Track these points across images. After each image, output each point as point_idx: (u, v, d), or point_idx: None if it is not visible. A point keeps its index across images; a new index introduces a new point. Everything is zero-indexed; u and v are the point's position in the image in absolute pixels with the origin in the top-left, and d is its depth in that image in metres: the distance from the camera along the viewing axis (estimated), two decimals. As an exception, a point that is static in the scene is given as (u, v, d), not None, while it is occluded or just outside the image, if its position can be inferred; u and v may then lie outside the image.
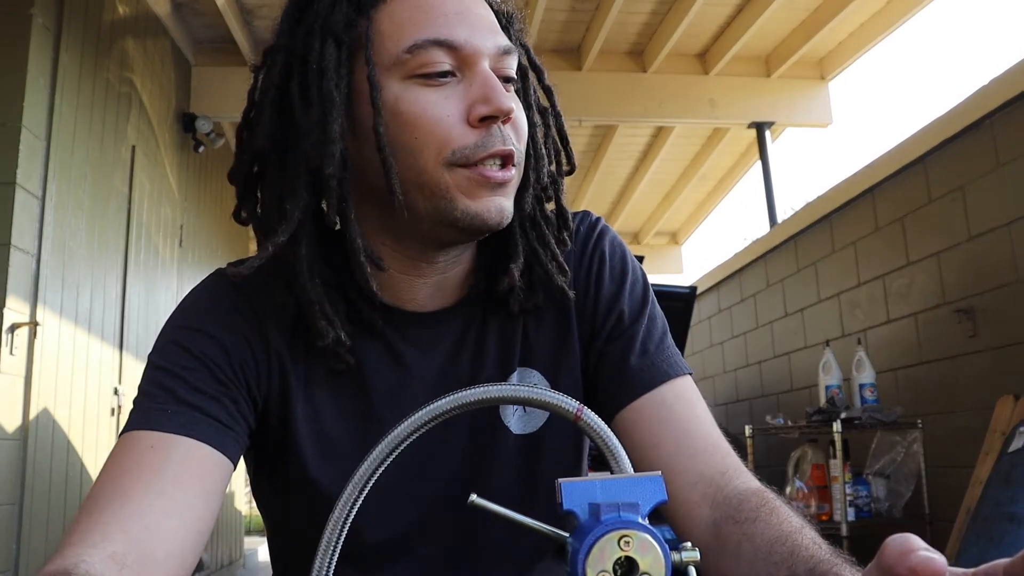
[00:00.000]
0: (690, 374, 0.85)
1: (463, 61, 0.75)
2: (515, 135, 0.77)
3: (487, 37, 0.76)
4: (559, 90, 0.88)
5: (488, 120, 0.74)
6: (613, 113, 5.03)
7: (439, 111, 0.74)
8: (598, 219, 0.92)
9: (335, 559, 0.49)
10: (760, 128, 5.09)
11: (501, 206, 0.76)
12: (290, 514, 0.85)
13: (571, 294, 0.85)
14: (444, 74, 0.75)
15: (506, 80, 0.78)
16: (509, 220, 0.77)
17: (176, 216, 4.55)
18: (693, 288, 3.87)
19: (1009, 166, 2.71)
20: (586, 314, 0.86)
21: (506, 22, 0.83)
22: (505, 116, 0.75)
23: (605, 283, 0.87)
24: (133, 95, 3.87)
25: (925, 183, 3.13)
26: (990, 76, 2.82)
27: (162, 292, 4.31)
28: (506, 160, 0.76)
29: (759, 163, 5.16)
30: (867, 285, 3.52)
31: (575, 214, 0.92)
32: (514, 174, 0.77)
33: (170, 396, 0.73)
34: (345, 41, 0.77)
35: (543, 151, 0.84)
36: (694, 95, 4.96)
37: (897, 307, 3.31)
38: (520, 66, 0.84)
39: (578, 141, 5.97)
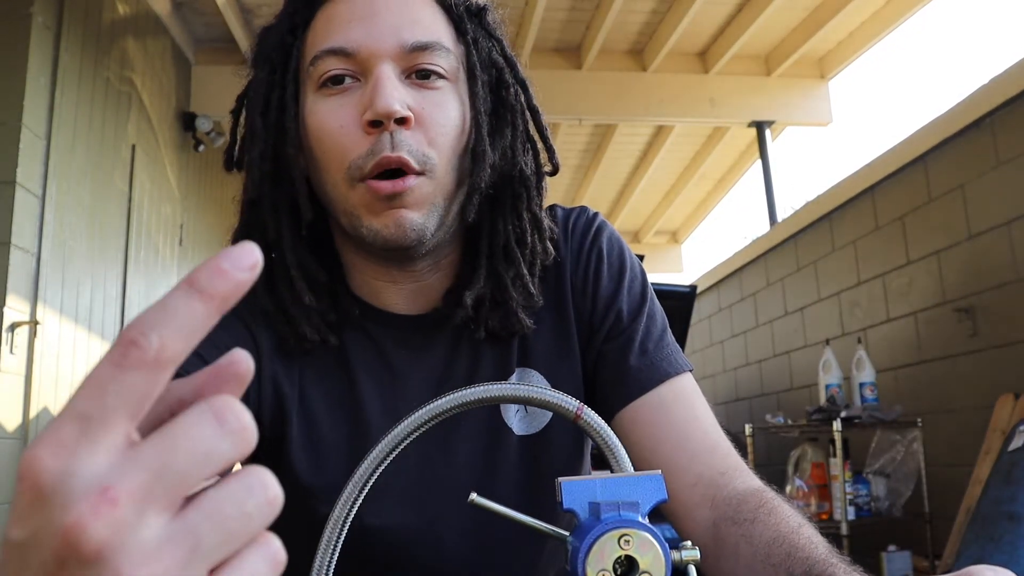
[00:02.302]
0: (690, 371, 0.84)
1: (361, 66, 0.74)
2: (422, 139, 0.73)
3: (387, 37, 0.74)
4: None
5: (377, 125, 0.72)
6: (613, 112, 5.03)
7: (335, 121, 0.74)
8: (595, 215, 0.90)
9: (335, 559, 0.49)
10: (760, 127, 5.09)
11: (401, 220, 0.72)
12: (283, 522, 0.84)
13: (530, 325, 0.81)
14: (339, 80, 0.74)
15: (424, 76, 0.75)
16: (425, 234, 0.74)
17: (176, 215, 4.55)
18: (693, 287, 3.87)
19: (1009, 165, 2.71)
20: (584, 313, 0.85)
21: (457, 13, 0.79)
22: (388, 119, 0.71)
23: (603, 282, 0.85)
24: (133, 94, 3.87)
25: (925, 182, 3.13)
26: (990, 75, 2.82)
27: (162, 291, 4.30)
28: (398, 170, 0.72)
29: (759, 162, 5.15)
30: (867, 284, 3.52)
31: (571, 210, 0.90)
32: (414, 183, 0.72)
33: None
34: (278, 65, 0.78)
35: (484, 147, 0.77)
36: (694, 94, 4.96)
37: (897, 306, 3.31)
38: (492, 59, 0.81)
39: (578, 140, 5.96)
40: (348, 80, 0.74)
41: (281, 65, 0.78)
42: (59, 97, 3.07)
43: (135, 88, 3.89)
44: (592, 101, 4.84)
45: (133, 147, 3.86)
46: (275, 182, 0.78)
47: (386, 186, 0.72)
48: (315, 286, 0.79)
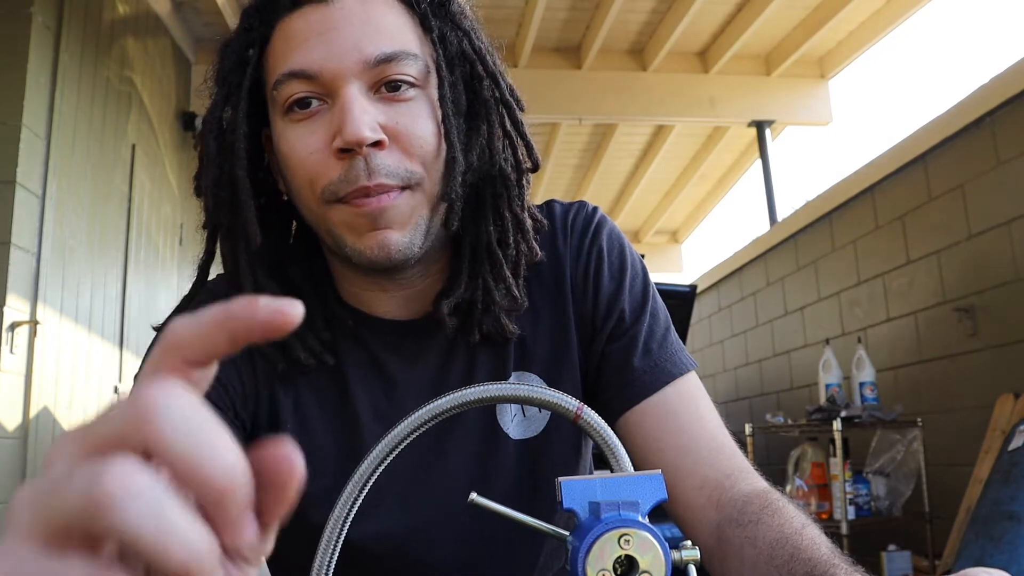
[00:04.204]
0: (694, 368, 0.83)
1: (325, 87, 0.71)
2: (400, 156, 0.71)
3: (349, 53, 0.70)
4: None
5: (348, 152, 0.70)
6: (613, 112, 5.02)
7: (305, 148, 0.72)
8: (595, 210, 0.88)
9: (335, 559, 0.49)
10: (760, 126, 5.09)
11: (385, 242, 0.71)
12: (280, 529, 0.84)
13: (515, 331, 0.80)
14: (305, 104, 0.71)
15: (394, 88, 0.72)
16: (411, 252, 0.73)
17: (176, 215, 4.55)
18: (693, 287, 3.87)
19: (1009, 164, 2.71)
20: (585, 314, 0.84)
21: (420, 10, 0.75)
22: (358, 146, 0.68)
23: (604, 281, 0.84)
24: (133, 94, 3.87)
25: (925, 181, 3.13)
26: (990, 74, 2.82)
27: (162, 291, 4.31)
28: (377, 193, 0.70)
29: (759, 161, 5.15)
30: (867, 283, 3.52)
31: (570, 205, 0.88)
32: (397, 199, 0.71)
33: None
34: (234, 86, 0.75)
35: (456, 154, 0.73)
36: (694, 93, 4.95)
37: (897, 305, 3.30)
38: (463, 53, 0.77)
39: (578, 140, 5.96)
40: (315, 103, 0.71)
41: (236, 85, 0.75)
42: (59, 97, 3.07)
43: (135, 88, 3.89)
44: (592, 101, 4.83)
45: (133, 147, 3.86)
46: (232, 208, 0.75)
47: (371, 202, 0.70)
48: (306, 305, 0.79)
